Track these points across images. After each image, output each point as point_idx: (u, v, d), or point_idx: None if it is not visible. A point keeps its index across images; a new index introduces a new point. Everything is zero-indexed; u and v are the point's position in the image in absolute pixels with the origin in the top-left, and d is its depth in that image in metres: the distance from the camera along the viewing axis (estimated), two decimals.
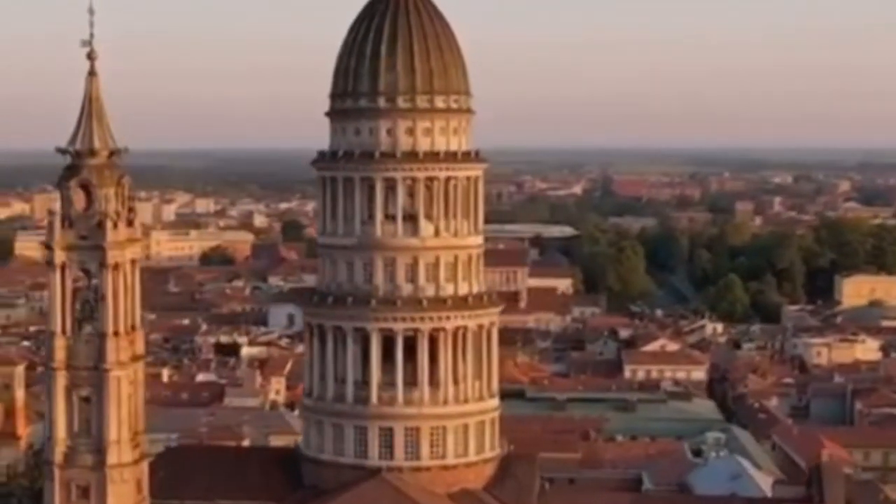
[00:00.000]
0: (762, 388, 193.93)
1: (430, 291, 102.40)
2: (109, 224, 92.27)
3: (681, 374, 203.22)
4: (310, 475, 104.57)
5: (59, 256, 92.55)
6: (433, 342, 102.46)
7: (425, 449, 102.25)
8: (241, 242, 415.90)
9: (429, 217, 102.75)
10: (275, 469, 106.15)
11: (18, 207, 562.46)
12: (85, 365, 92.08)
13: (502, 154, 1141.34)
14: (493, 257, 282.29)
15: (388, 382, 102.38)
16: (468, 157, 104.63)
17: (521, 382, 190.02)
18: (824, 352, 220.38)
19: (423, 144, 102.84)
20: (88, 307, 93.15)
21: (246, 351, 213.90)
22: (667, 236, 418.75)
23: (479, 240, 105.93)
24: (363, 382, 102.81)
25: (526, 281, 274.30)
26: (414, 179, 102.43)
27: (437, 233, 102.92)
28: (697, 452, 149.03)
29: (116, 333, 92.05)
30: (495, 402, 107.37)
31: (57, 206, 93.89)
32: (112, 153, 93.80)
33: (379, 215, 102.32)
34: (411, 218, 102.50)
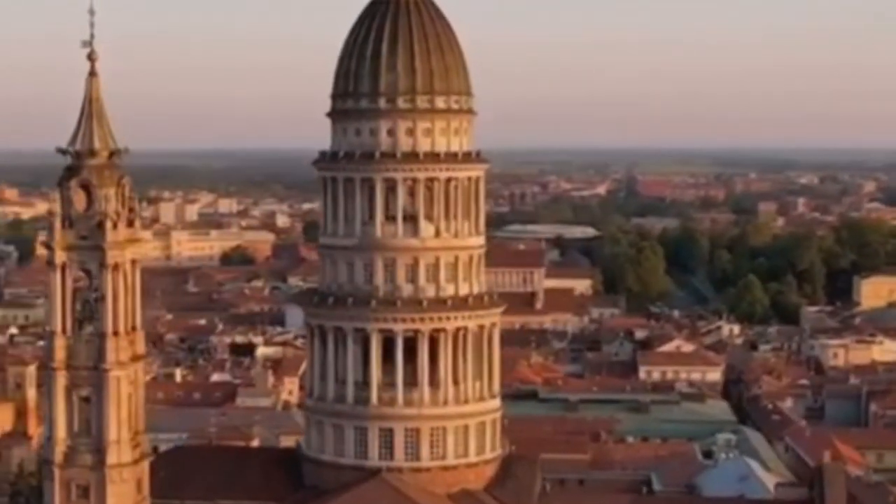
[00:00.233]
0: (777, 389, 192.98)
1: (430, 292, 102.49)
2: (109, 224, 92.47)
3: (696, 376, 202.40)
4: (310, 475, 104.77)
5: (60, 256, 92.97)
6: (433, 343, 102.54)
7: (425, 449, 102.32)
8: (262, 242, 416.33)
9: (429, 218, 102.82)
10: (276, 469, 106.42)
11: (42, 208, 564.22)
12: (85, 365, 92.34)
13: (528, 154, 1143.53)
14: (510, 258, 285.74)
15: (388, 383, 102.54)
16: (469, 157, 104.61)
17: (534, 383, 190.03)
18: (841, 353, 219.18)
19: (424, 145, 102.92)
20: (89, 307, 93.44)
21: (261, 351, 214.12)
22: (688, 237, 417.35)
23: (481, 240, 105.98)
24: (363, 383, 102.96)
25: (543, 282, 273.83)
26: (414, 180, 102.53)
27: (437, 233, 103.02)
28: (708, 454, 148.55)
29: (116, 333, 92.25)
30: (496, 402, 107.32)
31: (57, 206, 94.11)
32: (112, 153, 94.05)
33: (379, 216, 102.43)
34: (412, 218, 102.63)
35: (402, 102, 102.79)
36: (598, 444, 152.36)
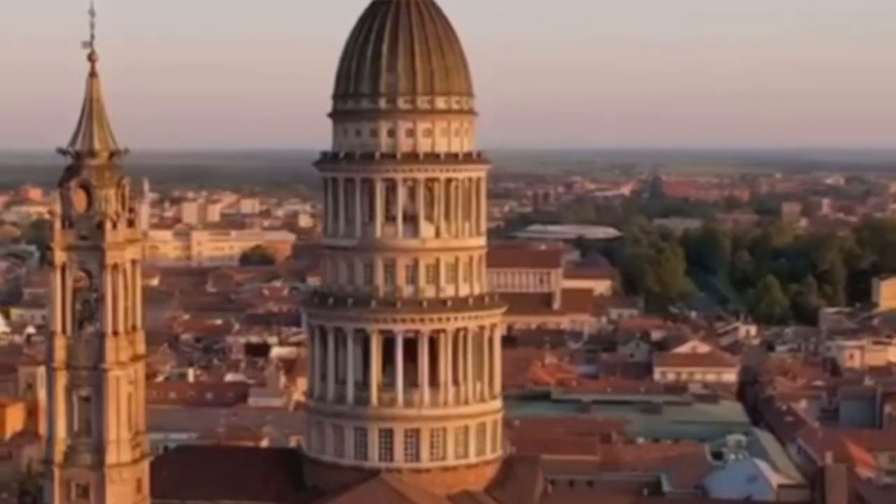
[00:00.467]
0: (791, 390, 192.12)
1: (430, 293, 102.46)
2: (109, 225, 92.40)
3: (710, 377, 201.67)
4: (311, 476, 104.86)
5: (60, 257, 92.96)
6: (433, 343, 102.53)
7: (425, 450, 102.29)
8: (282, 243, 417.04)
9: (429, 218, 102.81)
10: (277, 470, 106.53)
11: None
12: (85, 365, 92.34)
13: (552, 155, 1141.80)
14: (527, 258, 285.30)
15: (388, 384, 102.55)
16: (469, 158, 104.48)
17: (547, 384, 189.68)
18: (857, 354, 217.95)
19: (424, 145, 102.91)
20: (89, 307, 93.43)
21: (276, 351, 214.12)
22: (710, 238, 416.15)
23: (481, 241, 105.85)
24: (363, 384, 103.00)
25: (560, 282, 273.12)
26: (414, 181, 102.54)
27: (437, 234, 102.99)
28: (718, 455, 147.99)
29: (116, 333, 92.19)
30: (497, 403, 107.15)
31: (58, 206, 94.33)
32: (112, 154, 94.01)
33: (379, 216, 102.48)
34: (412, 219, 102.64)
35: (402, 103, 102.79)
36: (608, 445, 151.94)
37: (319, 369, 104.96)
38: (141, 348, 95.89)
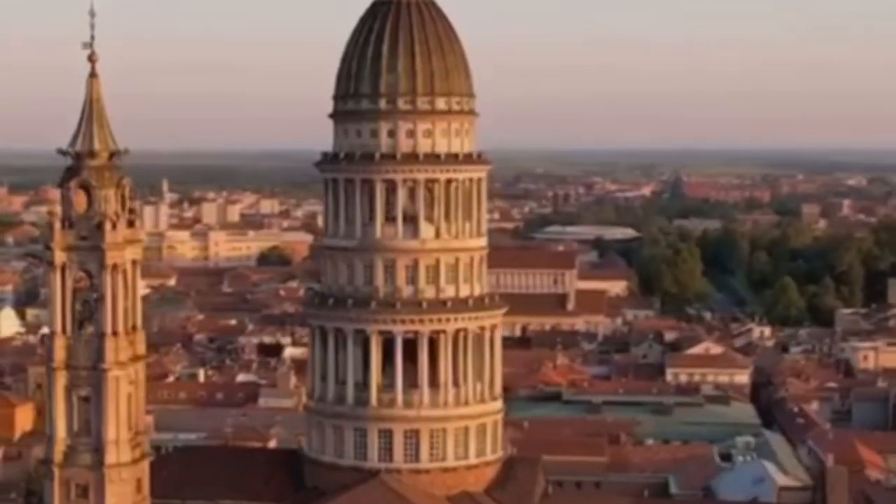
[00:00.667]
0: (804, 392, 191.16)
1: (429, 293, 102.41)
2: (108, 225, 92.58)
3: (723, 378, 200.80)
4: (311, 476, 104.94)
5: (60, 257, 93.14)
6: (433, 344, 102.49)
7: (425, 451, 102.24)
8: (300, 243, 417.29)
9: (429, 219, 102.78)
10: (277, 470, 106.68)
11: None
12: (84, 365, 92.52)
13: (574, 156, 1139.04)
14: (541, 259, 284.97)
15: (388, 384, 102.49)
16: (470, 158, 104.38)
17: (559, 385, 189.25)
18: (871, 355, 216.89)
19: (424, 146, 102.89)
20: (89, 307, 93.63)
21: (288, 352, 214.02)
22: (728, 238, 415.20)
23: (482, 242, 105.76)
24: (363, 384, 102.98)
25: (575, 283, 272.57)
26: (414, 181, 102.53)
27: (437, 235, 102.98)
28: (726, 457, 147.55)
29: (116, 333, 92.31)
30: (497, 404, 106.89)
31: (58, 206, 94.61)
32: (112, 155, 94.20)
33: (379, 217, 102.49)
34: (412, 220, 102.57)
35: (402, 104, 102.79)
36: (616, 446, 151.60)
37: (320, 370, 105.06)
38: (141, 348, 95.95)
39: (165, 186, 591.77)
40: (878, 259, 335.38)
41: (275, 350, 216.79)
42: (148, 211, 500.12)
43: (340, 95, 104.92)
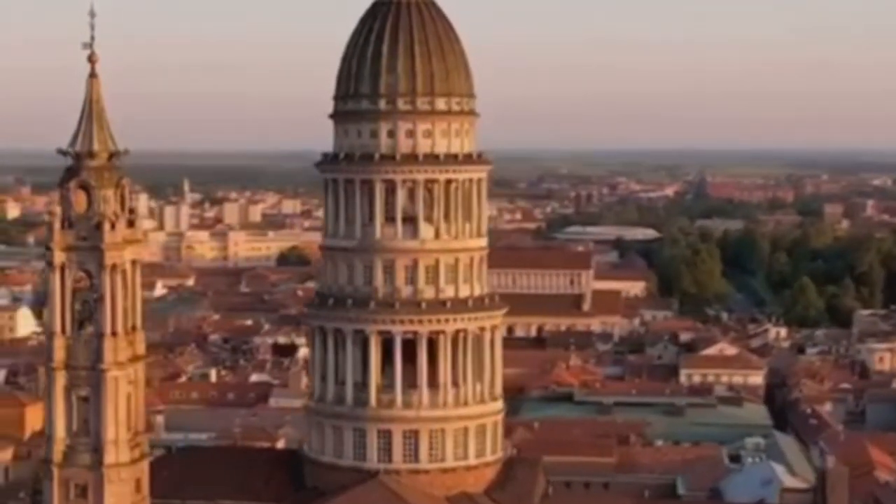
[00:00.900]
0: (818, 393, 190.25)
1: (429, 294, 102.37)
2: (108, 225, 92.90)
3: (737, 379, 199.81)
4: (311, 477, 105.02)
5: (59, 257, 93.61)
6: (432, 345, 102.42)
7: (424, 451, 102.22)
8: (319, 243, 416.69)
9: (429, 219, 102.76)
10: (277, 470, 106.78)
11: None
12: (83, 365, 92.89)
13: (598, 156, 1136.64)
14: (557, 260, 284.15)
15: (387, 385, 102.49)
16: (469, 159, 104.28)
17: (571, 385, 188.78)
18: (887, 357, 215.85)
19: (424, 147, 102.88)
20: (88, 307, 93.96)
21: (302, 352, 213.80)
22: (749, 239, 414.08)
23: (482, 242, 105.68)
24: (362, 384, 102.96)
25: (591, 284, 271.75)
26: (414, 182, 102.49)
27: (437, 235, 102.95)
28: (736, 458, 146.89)
29: (115, 334, 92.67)
30: (497, 405, 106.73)
31: (57, 206, 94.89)
32: (112, 155, 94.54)
33: (379, 217, 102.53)
34: (411, 220, 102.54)
35: (402, 104, 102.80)
36: (625, 447, 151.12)
37: (320, 370, 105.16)
38: (141, 349, 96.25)
39: (187, 186, 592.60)
40: None
41: (289, 350, 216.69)
42: (169, 211, 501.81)
43: (340, 96, 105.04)
